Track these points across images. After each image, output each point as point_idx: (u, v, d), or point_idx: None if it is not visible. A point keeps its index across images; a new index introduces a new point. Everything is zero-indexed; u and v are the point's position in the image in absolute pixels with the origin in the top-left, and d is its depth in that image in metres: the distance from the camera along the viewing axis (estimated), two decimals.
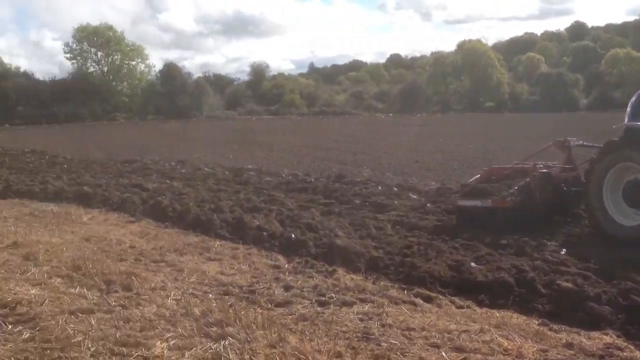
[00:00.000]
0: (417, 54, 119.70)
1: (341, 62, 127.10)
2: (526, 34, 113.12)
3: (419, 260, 7.60)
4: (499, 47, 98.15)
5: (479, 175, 11.05)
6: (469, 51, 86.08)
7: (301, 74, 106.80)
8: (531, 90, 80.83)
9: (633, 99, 9.34)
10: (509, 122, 50.87)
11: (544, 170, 9.89)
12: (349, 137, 33.53)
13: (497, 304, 6.23)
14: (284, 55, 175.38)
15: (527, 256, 7.66)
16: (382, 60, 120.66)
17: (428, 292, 6.58)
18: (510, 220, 9.15)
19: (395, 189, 13.47)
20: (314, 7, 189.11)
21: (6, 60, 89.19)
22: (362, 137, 33.41)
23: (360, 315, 5.76)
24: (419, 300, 6.32)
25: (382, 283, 6.95)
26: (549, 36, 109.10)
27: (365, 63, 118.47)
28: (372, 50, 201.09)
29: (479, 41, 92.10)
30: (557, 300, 6.05)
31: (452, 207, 10.54)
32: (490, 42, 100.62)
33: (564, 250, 8.05)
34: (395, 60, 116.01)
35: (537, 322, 5.60)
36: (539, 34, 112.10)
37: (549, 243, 8.38)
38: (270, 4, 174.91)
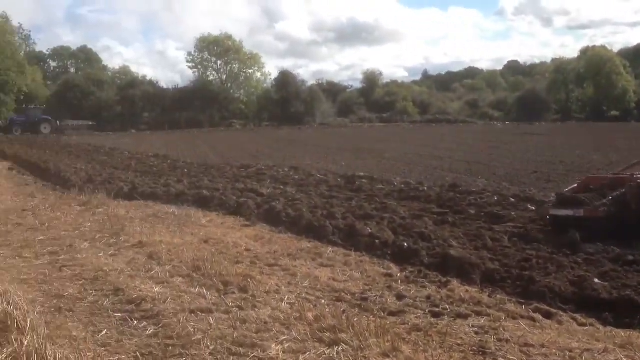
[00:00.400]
0: (537, 61, 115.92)
1: (456, 69, 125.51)
2: None
3: (538, 274, 7.31)
4: (626, 54, 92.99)
5: (575, 185, 10.97)
6: (593, 58, 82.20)
7: (414, 82, 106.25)
8: None
9: None
10: (636, 131, 48.07)
11: None
12: (463, 146, 32.90)
13: (623, 323, 5.90)
14: (397, 62, 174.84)
15: None
16: (499, 67, 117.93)
17: (548, 308, 6.31)
18: (604, 230, 8.96)
19: (512, 199, 13.00)
20: (429, 13, 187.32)
21: (134, 69, 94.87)
22: (477, 146, 32.68)
23: (476, 329, 5.60)
24: (538, 316, 6.08)
25: (498, 296, 6.73)
26: None
27: (482, 70, 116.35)
28: (488, 57, 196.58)
29: (603, 47, 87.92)
30: None
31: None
32: (616, 48, 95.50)
33: None
34: (513, 67, 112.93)
35: None
36: None
37: None
38: (384, 11, 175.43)
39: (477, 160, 24.49)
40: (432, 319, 5.90)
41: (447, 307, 6.25)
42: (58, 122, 60.22)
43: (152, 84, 78.93)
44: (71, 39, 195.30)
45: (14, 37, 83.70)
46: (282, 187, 16.32)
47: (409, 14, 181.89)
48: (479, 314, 6.06)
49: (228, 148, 36.55)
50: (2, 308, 5.79)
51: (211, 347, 5.01)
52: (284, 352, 4.89)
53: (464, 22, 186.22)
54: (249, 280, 7.08)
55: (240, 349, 4.98)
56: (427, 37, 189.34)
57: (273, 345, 5.02)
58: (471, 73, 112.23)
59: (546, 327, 5.77)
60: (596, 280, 6.92)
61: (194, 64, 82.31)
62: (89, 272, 7.81)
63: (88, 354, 4.85)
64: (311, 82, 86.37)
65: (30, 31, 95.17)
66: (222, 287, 6.86)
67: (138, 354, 4.99)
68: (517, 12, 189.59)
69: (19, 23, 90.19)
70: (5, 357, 4.76)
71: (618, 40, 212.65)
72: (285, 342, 5.10)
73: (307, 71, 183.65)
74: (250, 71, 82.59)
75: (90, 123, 63.85)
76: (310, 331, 5.33)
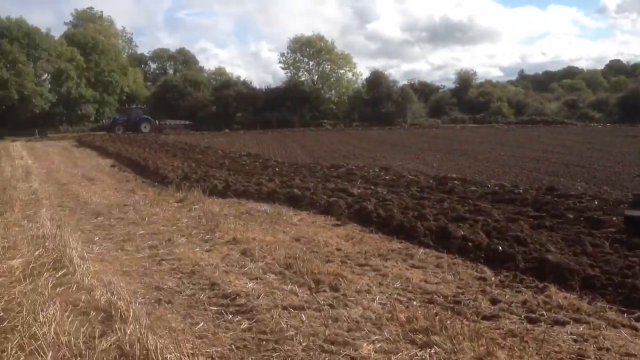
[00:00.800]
0: None
1: (554, 68, 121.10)
2: None
3: None
4: None
5: None
6: None
7: (510, 81, 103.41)
8: None
9: None
10: None
11: None
12: (560, 148, 31.73)
13: None
14: (492, 62, 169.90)
15: None
16: (600, 67, 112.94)
17: None
18: None
19: (614, 204, 12.46)
20: (527, 12, 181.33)
21: (228, 70, 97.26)
22: (576, 148, 31.44)
23: (574, 336, 5.42)
24: None
25: (598, 304, 6.45)
26: None
27: (581, 70, 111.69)
28: (589, 55, 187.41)
29: None
30: None
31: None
32: None
33: None
34: (615, 67, 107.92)
35: None
36: None
37: None
38: (479, 10, 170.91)
39: (576, 163, 23.57)
40: (528, 325, 5.75)
41: (544, 313, 6.08)
42: (157, 121, 62.59)
43: (246, 84, 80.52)
44: (170, 42, 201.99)
45: (118, 40, 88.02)
46: (372, 187, 16.27)
47: (504, 12, 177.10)
48: (577, 321, 5.85)
49: (318, 148, 36.83)
50: (107, 298, 6.11)
51: (303, 344, 5.08)
52: (375, 352, 4.89)
53: (563, 20, 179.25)
54: (340, 279, 7.12)
55: (332, 346, 5.03)
56: (523, 36, 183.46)
57: (365, 345, 5.03)
58: (570, 73, 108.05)
59: None
60: None
61: (286, 65, 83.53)
62: (186, 266, 8.08)
63: (186, 344, 5.03)
64: (403, 82, 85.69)
65: (132, 34, 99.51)
66: (313, 285, 6.93)
67: (233, 346, 5.13)
68: (620, 9, 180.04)
69: (122, 26, 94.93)
70: (109, 345, 5.00)
71: None
72: (377, 342, 5.11)
73: (399, 71, 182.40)
74: (342, 71, 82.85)
75: (187, 122, 65.97)
76: (402, 332, 5.31)
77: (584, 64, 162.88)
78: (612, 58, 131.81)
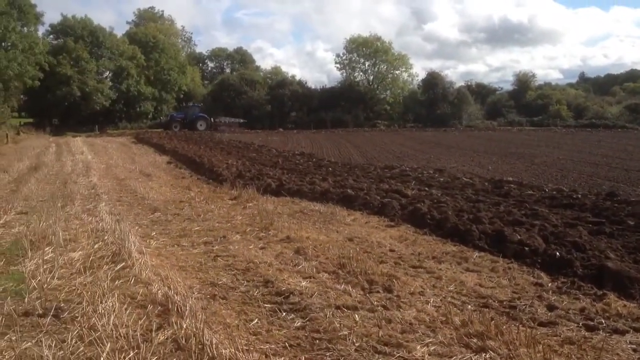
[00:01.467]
0: None
1: (616, 71, 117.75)
2: None
3: None
4: None
5: None
6: None
7: (570, 84, 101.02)
8: None
9: None
10: None
11: None
12: (621, 153, 30.86)
13: None
14: (551, 64, 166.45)
15: None
16: None
17: None
18: None
19: None
20: (589, 13, 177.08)
21: (284, 69, 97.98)
22: (637, 154, 30.53)
23: (634, 346, 5.29)
24: None
25: None
26: None
27: None
28: None
29: None
30: None
31: None
32: None
33: None
34: None
35: None
36: None
37: None
38: (540, 11, 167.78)
39: (637, 169, 22.88)
40: (586, 333, 5.62)
41: (603, 321, 5.93)
42: (212, 119, 63.50)
43: (301, 84, 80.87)
44: (227, 41, 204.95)
45: (178, 39, 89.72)
46: (426, 189, 16.15)
47: (566, 13, 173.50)
48: (637, 330, 5.71)
49: (372, 148, 36.77)
50: (164, 292, 6.23)
51: (357, 344, 5.08)
52: (429, 355, 4.86)
53: (627, 22, 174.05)
54: (393, 280, 7.10)
55: (386, 347, 5.01)
56: (585, 38, 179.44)
57: (418, 347, 5.01)
58: (633, 76, 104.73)
59: None
60: None
61: (342, 65, 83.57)
62: (241, 263, 8.18)
63: (241, 340, 5.10)
64: (459, 83, 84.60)
65: (192, 33, 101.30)
66: (367, 286, 6.93)
67: (287, 344, 5.17)
68: None
69: (181, 26, 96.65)
70: (166, 339, 5.11)
71: None
72: (430, 344, 5.07)
73: (455, 72, 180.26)
74: (398, 72, 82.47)
75: (242, 120, 66.69)
76: (457, 336, 5.25)
77: None
78: None
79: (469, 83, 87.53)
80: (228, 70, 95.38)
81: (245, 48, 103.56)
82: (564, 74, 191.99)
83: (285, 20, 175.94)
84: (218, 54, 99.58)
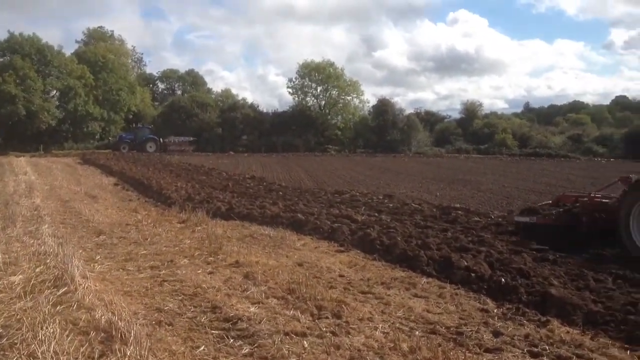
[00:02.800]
0: None
1: (559, 102, 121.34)
2: None
3: None
4: None
5: (550, 201, 13.77)
6: None
7: (515, 114, 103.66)
8: None
9: None
10: None
11: (599, 200, 12.19)
12: (564, 182, 31.68)
13: None
14: (498, 94, 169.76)
15: None
16: (606, 102, 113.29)
17: None
18: (551, 234, 11.81)
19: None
20: (533, 45, 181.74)
21: (234, 92, 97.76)
22: (579, 182, 31.41)
23: None
24: None
25: (601, 339, 6.42)
26: None
27: (587, 104, 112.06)
28: (595, 91, 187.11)
29: None
30: None
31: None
32: None
33: None
34: (621, 103, 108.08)
35: None
36: None
37: None
38: (486, 42, 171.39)
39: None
40: (531, 359, 5.70)
41: (547, 347, 6.04)
42: (161, 139, 62.85)
43: (253, 107, 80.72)
44: (177, 62, 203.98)
45: (128, 59, 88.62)
46: (376, 214, 16.26)
47: (511, 45, 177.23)
48: (580, 357, 5.83)
49: (322, 173, 36.88)
50: (107, 318, 6.08)
51: None
52: None
53: (570, 55, 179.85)
54: (342, 306, 7.10)
55: None
56: (529, 69, 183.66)
57: None
58: (576, 107, 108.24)
59: None
60: None
61: (294, 90, 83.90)
62: (188, 288, 8.06)
63: None
64: (409, 110, 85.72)
65: (142, 54, 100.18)
66: (316, 311, 6.91)
67: None
68: (627, 45, 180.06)
69: (132, 46, 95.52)
70: None
71: None
72: None
73: (405, 99, 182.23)
74: (349, 98, 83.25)
75: (192, 138, 66.25)
76: None
77: (589, 99, 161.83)
78: (618, 94, 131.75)
79: (419, 110, 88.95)
80: (179, 92, 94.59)
81: (197, 70, 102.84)
82: (509, 104, 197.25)
83: (236, 43, 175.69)
84: (169, 75, 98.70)
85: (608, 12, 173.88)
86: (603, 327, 6.89)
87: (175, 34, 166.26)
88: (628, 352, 6.04)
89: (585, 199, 12.39)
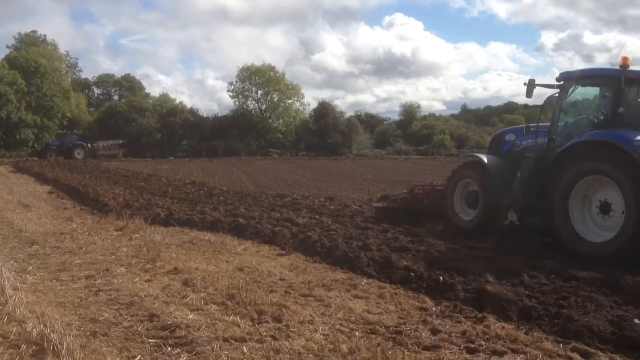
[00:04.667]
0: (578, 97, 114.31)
1: (495, 103, 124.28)
2: None
3: (576, 313, 7.08)
4: None
5: (405, 190, 16.65)
6: None
7: (452, 115, 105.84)
8: None
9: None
10: None
11: (438, 187, 15.18)
12: None
13: None
14: (435, 96, 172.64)
15: None
16: (539, 103, 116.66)
17: (586, 347, 6.11)
18: (400, 216, 14.71)
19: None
20: (468, 48, 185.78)
21: (172, 96, 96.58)
22: None
23: None
24: (575, 355, 5.90)
25: (535, 334, 6.56)
26: None
27: (521, 105, 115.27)
28: None
29: None
30: None
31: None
32: None
33: None
34: (552, 103, 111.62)
35: None
36: None
37: None
38: (422, 45, 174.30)
39: None
40: (468, 355, 5.81)
41: (483, 343, 6.14)
42: (89, 144, 61.39)
43: (193, 112, 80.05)
44: (111, 67, 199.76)
45: (62, 64, 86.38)
46: (317, 217, 16.28)
47: (447, 47, 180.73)
48: (515, 351, 5.93)
49: (264, 177, 36.77)
50: (39, 330, 5.89)
51: None
52: None
53: (503, 57, 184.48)
54: (283, 309, 7.06)
55: None
56: (465, 71, 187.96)
57: None
58: (510, 108, 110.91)
59: None
60: (636, 320, 6.68)
61: (234, 93, 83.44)
62: (125, 297, 7.88)
63: None
64: (349, 113, 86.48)
65: (77, 59, 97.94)
66: (256, 316, 6.85)
67: None
68: (557, 47, 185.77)
69: (65, 51, 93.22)
70: None
71: None
72: None
73: (344, 102, 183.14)
74: (290, 101, 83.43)
75: (121, 141, 64.65)
76: None
77: (523, 100, 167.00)
78: (550, 94, 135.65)
79: (359, 113, 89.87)
80: (116, 97, 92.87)
81: (132, 74, 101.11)
82: (446, 105, 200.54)
83: (172, 47, 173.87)
84: (105, 80, 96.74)
85: (538, 15, 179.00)
86: (537, 321, 7.03)
87: (108, 37, 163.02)
88: (561, 345, 6.19)
89: (428, 187, 15.66)
